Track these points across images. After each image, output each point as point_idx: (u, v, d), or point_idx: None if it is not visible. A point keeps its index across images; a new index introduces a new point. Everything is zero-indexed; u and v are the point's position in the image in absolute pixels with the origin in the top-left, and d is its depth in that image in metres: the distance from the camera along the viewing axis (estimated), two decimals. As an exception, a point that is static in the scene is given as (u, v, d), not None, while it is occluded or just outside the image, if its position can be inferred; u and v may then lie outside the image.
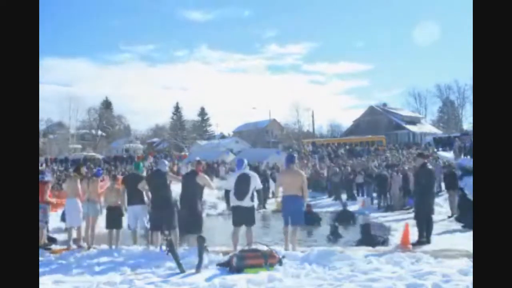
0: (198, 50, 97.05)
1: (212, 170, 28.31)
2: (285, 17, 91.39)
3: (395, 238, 8.56)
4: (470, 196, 10.57)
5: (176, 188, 7.73)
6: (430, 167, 8.15)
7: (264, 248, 6.09)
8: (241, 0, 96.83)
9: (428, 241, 7.39)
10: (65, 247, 8.12)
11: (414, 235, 7.50)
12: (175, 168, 22.75)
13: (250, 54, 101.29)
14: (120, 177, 10.27)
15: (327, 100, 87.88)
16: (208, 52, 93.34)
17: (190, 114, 67.95)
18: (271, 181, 18.56)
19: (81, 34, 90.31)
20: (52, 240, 9.34)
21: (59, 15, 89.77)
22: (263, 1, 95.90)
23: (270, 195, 18.09)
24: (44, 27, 68.53)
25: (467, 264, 5.29)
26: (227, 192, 7.14)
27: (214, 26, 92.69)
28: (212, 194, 17.90)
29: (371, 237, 8.58)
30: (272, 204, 16.60)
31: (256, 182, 6.86)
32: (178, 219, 7.22)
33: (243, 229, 6.89)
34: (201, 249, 5.87)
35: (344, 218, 12.50)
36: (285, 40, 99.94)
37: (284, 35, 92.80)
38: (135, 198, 7.79)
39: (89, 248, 7.83)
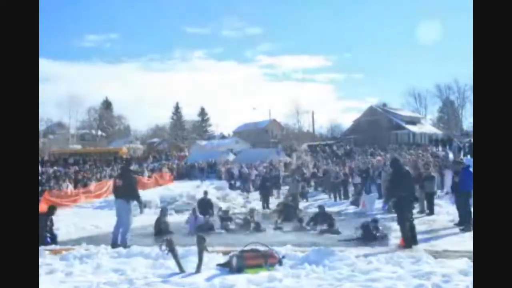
0: (192, 57, 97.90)
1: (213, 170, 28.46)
2: (280, 28, 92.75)
3: (395, 238, 8.56)
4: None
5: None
6: (407, 169, 8.02)
7: (264, 248, 6.09)
8: (236, 12, 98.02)
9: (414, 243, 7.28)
10: (66, 247, 8.11)
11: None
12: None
13: (245, 62, 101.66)
14: None
15: (326, 103, 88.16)
16: (204, 62, 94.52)
17: (190, 114, 68.16)
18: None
19: (81, 43, 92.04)
20: (53, 240, 9.31)
21: (60, 20, 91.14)
22: (259, 12, 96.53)
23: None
24: (46, 31, 69.02)
25: (467, 264, 5.29)
26: None
27: (209, 38, 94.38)
28: (212, 194, 17.95)
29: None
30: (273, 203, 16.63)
31: None
32: None
33: None
34: (201, 249, 5.86)
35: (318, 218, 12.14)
36: (279, 51, 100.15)
37: (278, 45, 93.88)
38: None
39: None
